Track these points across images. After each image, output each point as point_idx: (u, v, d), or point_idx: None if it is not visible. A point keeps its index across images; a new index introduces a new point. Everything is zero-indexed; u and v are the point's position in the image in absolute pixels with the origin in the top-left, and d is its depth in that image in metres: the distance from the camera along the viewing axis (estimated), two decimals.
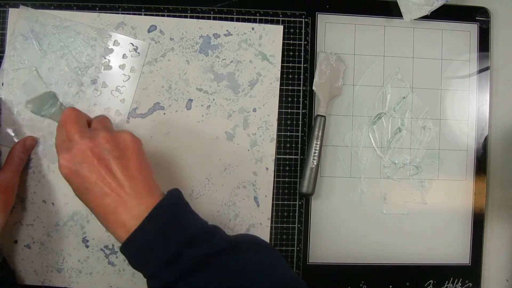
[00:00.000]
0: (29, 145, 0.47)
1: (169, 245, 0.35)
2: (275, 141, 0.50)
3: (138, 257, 0.36)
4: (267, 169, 0.50)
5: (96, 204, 0.37)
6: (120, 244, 0.37)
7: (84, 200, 0.38)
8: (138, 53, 0.48)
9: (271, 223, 0.49)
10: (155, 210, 0.36)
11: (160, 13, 0.48)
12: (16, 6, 0.47)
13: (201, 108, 0.49)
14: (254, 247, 0.39)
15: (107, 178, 0.36)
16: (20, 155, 0.45)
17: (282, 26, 0.50)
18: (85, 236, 0.47)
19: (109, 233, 0.38)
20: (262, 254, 0.39)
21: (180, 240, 0.36)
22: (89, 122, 0.43)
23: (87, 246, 0.47)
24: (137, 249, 0.36)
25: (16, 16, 0.47)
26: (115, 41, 0.48)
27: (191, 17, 0.49)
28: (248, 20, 0.49)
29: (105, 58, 0.48)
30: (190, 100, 0.49)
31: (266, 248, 0.40)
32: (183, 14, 0.49)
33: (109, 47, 0.48)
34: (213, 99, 0.49)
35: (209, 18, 0.49)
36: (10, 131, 0.47)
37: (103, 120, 0.43)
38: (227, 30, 0.49)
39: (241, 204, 0.49)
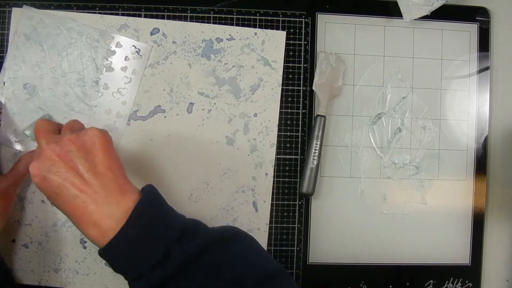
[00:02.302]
0: None
1: (158, 246, 0.37)
2: (275, 147, 0.53)
3: (123, 260, 0.37)
4: (266, 174, 0.53)
5: (67, 207, 0.38)
6: (97, 247, 0.38)
7: (57, 205, 0.39)
8: (141, 55, 0.51)
9: (271, 223, 0.53)
10: (137, 210, 0.37)
11: (160, 13, 0.52)
12: (17, 5, 0.50)
13: (202, 112, 0.52)
14: (237, 239, 0.41)
15: (75, 180, 0.37)
16: (28, 165, 0.48)
17: (285, 32, 0.53)
18: (83, 237, 0.50)
19: (83, 235, 0.39)
20: (245, 245, 0.41)
21: (168, 239, 0.37)
22: (60, 130, 0.44)
23: (84, 247, 0.50)
24: (121, 251, 0.37)
25: (19, 16, 0.50)
26: (117, 43, 0.51)
27: (191, 17, 0.52)
28: (248, 20, 0.53)
29: (107, 60, 0.51)
30: (191, 104, 0.52)
31: (248, 238, 0.43)
32: (183, 14, 0.52)
33: (112, 49, 0.51)
34: (214, 103, 0.52)
35: (209, 18, 0.52)
36: (10, 131, 0.50)
37: (71, 124, 0.44)
38: (229, 35, 0.52)
39: (239, 209, 0.52)
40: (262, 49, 0.53)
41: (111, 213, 0.37)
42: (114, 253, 0.37)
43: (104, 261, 0.50)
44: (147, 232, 0.37)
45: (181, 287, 0.37)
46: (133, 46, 0.51)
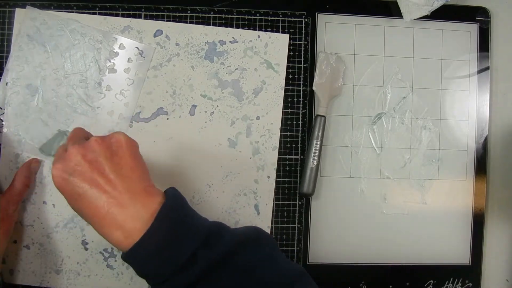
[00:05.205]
0: (34, 168, 0.53)
1: (183, 249, 0.38)
2: (277, 150, 0.57)
3: (148, 263, 0.38)
4: (268, 177, 0.57)
5: (89, 209, 0.39)
6: (120, 251, 0.40)
7: (78, 207, 0.41)
8: (143, 57, 0.55)
9: (272, 223, 0.57)
10: (163, 213, 0.39)
11: (160, 13, 0.56)
12: (17, 6, 0.54)
13: (205, 115, 0.56)
14: (261, 241, 0.43)
15: (100, 180, 0.39)
16: (25, 180, 0.51)
17: (288, 35, 0.57)
18: (85, 239, 0.54)
19: (107, 241, 0.40)
20: (270, 247, 0.43)
21: (193, 243, 0.39)
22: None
23: (86, 249, 0.54)
24: (146, 254, 0.38)
25: (23, 16, 0.54)
26: (120, 44, 0.55)
27: (191, 17, 0.56)
28: (248, 20, 0.57)
29: (110, 61, 0.55)
30: (194, 106, 0.56)
31: (271, 240, 0.45)
32: (183, 14, 0.56)
33: (115, 51, 0.55)
34: (217, 106, 0.56)
35: (209, 18, 0.57)
36: (12, 132, 0.54)
37: (101, 135, 0.45)
38: (233, 37, 0.56)
39: (241, 212, 0.56)
40: (265, 52, 0.57)
41: (136, 215, 0.38)
42: (139, 256, 0.38)
43: (105, 263, 0.54)
44: (173, 235, 0.39)
45: None
46: (136, 47, 0.55)
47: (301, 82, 0.58)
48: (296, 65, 0.58)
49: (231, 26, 0.57)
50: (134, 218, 0.39)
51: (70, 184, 0.40)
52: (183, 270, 0.38)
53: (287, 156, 0.57)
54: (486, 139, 0.60)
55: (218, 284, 0.39)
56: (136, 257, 0.39)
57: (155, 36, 0.56)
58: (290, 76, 0.58)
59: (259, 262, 0.41)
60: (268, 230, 0.57)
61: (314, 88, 0.58)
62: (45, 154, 0.54)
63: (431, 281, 0.59)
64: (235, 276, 0.39)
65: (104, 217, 0.39)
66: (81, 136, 0.45)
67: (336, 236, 0.58)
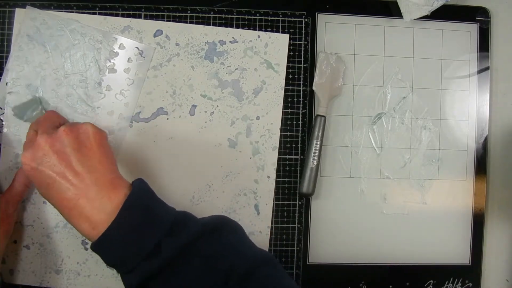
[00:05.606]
0: None
1: (147, 240, 0.40)
2: (277, 150, 0.57)
3: (114, 254, 0.41)
4: (268, 177, 0.57)
5: (58, 199, 0.41)
6: (88, 240, 0.41)
7: (47, 196, 0.42)
8: (143, 57, 0.55)
9: (271, 223, 0.57)
10: (127, 204, 0.41)
11: (160, 13, 0.56)
12: (17, 5, 0.54)
13: (205, 115, 0.56)
14: (225, 229, 0.45)
15: (67, 172, 0.41)
16: (25, 180, 0.51)
17: (288, 35, 0.58)
18: (84, 239, 0.54)
19: (74, 228, 0.42)
20: (234, 234, 0.45)
21: (158, 233, 0.40)
22: None
23: (86, 249, 0.54)
24: (112, 245, 0.40)
25: (23, 16, 0.54)
26: (120, 44, 0.55)
27: (191, 17, 0.57)
28: (248, 20, 0.57)
29: (110, 61, 0.55)
30: (194, 106, 0.56)
31: (237, 228, 0.47)
32: (183, 14, 0.57)
33: (115, 51, 0.55)
34: (217, 106, 0.57)
35: (209, 18, 0.57)
36: (11, 131, 0.54)
37: (72, 123, 0.47)
38: (233, 37, 0.57)
39: (241, 212, 0.57)
40: (265, 52, 0.57)
41: (102, 207, 0.40)
42: (105, 247, 0.41)
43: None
44: (137, 225, 0.41)
45: (172, 278, 0.41)
46: (136, 47, 0.55)
47: (301, 82, 0.58)
48: (296, 65, 0.58)
49: (231, 26, 0.57)
50: (100, 210, 0.40)
51: (38, 173, 0.42)
52: (148, 260, 0.40)
53: (287, 156, 0.58)
54: (486, 139, 0.61)
55: (183, 271, 0.41)
56: (103, 248, 0.41)
57: (155, 36, 0.56)
58: (290, 76, 0.58)
59: (222, 249, 0.43)
60: (268, 230, 0.57)
61: (314, 88, 0.58)
62: (16, 116, 0.53)
63: (431, 281, 0.59)
64: (199, 263, 0.41)
65: (72, 209, 0.41)
66: (52, 124, 0.46)
67: (336, 236, 0.58)
